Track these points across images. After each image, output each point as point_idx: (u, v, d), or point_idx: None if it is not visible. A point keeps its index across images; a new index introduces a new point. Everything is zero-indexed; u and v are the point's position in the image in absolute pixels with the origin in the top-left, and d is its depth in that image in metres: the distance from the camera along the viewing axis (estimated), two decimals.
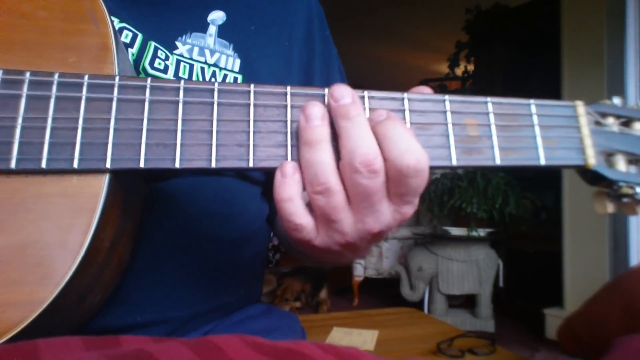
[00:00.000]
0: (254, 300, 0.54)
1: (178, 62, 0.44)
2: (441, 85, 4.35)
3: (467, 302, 2.76)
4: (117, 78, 0.31)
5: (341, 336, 0.78)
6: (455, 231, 2.62)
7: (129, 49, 0.42)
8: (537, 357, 2.16)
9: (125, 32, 0.42)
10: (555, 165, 0.35)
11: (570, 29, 2.43)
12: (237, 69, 0.47)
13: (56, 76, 0.30)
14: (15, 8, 0.32)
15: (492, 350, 0.72)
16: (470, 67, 3.81)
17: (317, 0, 0.58)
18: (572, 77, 2.41)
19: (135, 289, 0.39)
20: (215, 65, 0.46)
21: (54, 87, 0.30)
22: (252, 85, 0.32)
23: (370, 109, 0.32)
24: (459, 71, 3.89)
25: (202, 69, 0.45)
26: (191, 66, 0.45)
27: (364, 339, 0.77)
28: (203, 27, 0.47)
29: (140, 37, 0.43)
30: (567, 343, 0.59)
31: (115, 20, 0.41)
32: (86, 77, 0.30)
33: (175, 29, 0.45)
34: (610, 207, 0.37)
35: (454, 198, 2.58)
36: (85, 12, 0.33)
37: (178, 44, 0.45)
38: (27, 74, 0.30)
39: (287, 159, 0.30)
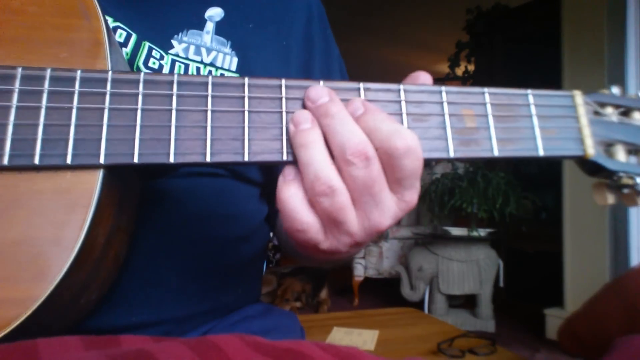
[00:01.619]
0: (253, 300, 0.54)
1: (173, 62, 0.44)
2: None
3: (468, 302, 2.76)
4: (110, 73, 0.30)
5: (341, 336, 0.78)
6: (456, 231, 2.62)
7: (123, 48, 0.41)
8: (537, 357, 2.15)
9: (119, 31, 0.41)
10: (554, 156, 0.35)
11: (571, 28, 2.42)
12: (234, 67, 0.47)
13: (48, 71, 0.30)
14: (5, 4, 0.32)
15: (492, 350, 0.72)
16: (471, 67, 3.81)
17: None
18: (572, 77, 2.41)
19: (132, 290, 0.39)
20: (211, 64, 0.45)
21: (47, 82, 0.29)
22: (246, 79, 0.31)
23: (349, 100, 0.32)
24: (459, 71, 3.89)
25: (198, 69, 0.45)
26: (186, 66, 0.44)
27: (364, 339, 0.77)
28: (200, 24, 0.46)
29: (134, 37, 0.42)
30: (567, 343, 0.59)
31: (109, 20, 0.41)
32: (79, 72, 0.30)
33: (171, 27, 0.45)
34: (610, 198, 0.37)
35: (455, 198, 2.58)
36: (76, 7, 0.32)
37: (174, 42, 0.44)
38: (19, 69, 0.29)
39: (282, 153, 0.30)
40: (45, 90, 0.29)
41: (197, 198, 0.43)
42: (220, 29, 0.47)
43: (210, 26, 0.46)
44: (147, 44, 0.43)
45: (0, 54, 0.31)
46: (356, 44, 4.47)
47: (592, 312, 0.55)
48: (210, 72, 0.46)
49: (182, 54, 0.44)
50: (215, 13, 0.47)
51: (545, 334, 2.41)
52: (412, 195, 0.30)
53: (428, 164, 4.58)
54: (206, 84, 0.31)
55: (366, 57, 4.77)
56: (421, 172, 0.30)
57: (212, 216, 0.44)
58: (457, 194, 2.58)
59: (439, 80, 4.39)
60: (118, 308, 0.38)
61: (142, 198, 0.38)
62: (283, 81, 0.32)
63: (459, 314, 2.64)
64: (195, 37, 0.45)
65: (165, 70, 0.43)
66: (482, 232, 2.59)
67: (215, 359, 0.21)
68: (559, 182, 2.46)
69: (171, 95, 0.30)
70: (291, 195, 0.29)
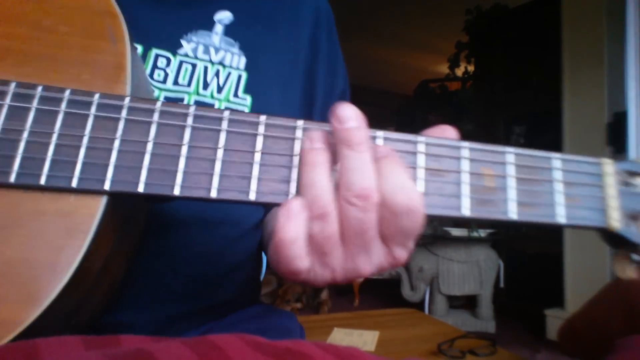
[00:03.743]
0: (249, 301, 0.54)
1: (180, 65, 0.44)
2: (442, 86, 4.35)
3: (468, 303, 2.75)
4: (127, 99, 0.30)
5: (342, 337, 0.78)
6: (456, 232, 2.63)
7: None
8: (537, 357, 2.15)
9: None
10: (576, 226, 0.33)
11: (571, 29, 2.43)
12: (242, 66, 0.47)
13: (67, 93, 0.30)
14: (38, 21, 0.33)
15: (492, 351, 0.72)
16: (471, 68, 3.82)
17: (327, 3, 0.58)
18: (572, 77, 2.41)
19: (124, 289, 0.39)
20: (219, 63, 0.46)
21: (64, 104, 0.30)
22: (262, 117, 0.31)
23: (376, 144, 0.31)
24: (459, 72, 3.90)
25: (205, 68, 0.45)
26: (193, 66, 0.45)
27: (364, 339, 0.77)
28: (209, 25, 0.47)
29: (140, 49, 0.43)
30: (568, 344, 0.59)
31: None
32: (97, 95, 0.30)
33: (181, 27, 0.45)
34: (631, 272, 0.35)
35: None
36: (105, 29, 0.33)
37: (183, 42, 0.45)
38: (39, 88, 0.30)
39: (289, 195, 0.29)
40: (61, 112, 0.30)
41: (191, 202, 0.43)
42: (229, 30, 0.48)
43: (219, 28, 0.47)
44: (153, 52, 0.43)
45: (26, 71, 0.31)
46: (356, 44, 4.47)
47: (592, 313, 0.55)
48: (217, 71, 0.46)
49: (190, 54, 0.45)
50: (224, 16, 0.48)
51: (545, 335, 2.41)
52: (401, 253, 0.29)
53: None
54: (221, 119, 0.30)
55: (365, 57, 4.78)
56: (418, 234, 0.28)
57: (207, 218, 0.44)
58: None
59: (438, 81, 4.40)
60: (111, 308, 0.38)
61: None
62: (298, 122, 0.31)
63: (459, 315, 2.64)
64: (204, 37, 0.46)
65: (170, 78, 0.44)
66: (483, 233, 2.59)
67: (216, 358, 0.21)
68: None
69: (184, 127, 0.30)
70: (294, 238, 0.27)
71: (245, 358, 0.21)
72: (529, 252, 2.96)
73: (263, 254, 0.57)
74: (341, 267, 0.28)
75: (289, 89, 0.51)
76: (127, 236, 0.34)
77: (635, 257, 0.35)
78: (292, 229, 0.27)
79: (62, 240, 0.28)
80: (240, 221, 0.49)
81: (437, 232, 2.71)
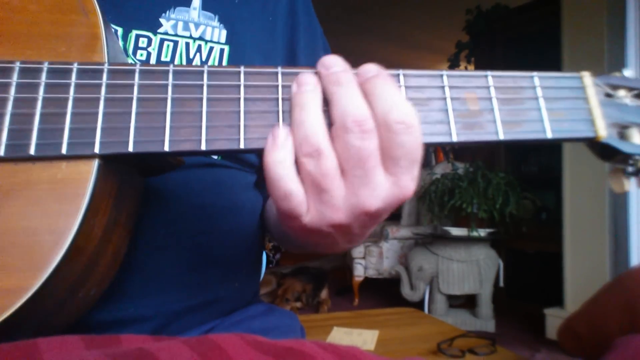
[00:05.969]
0: (250, 297, 0.54)
1: (161, 43, 0.44)
2: None
3: (468, 302, 2.76)
4: (106, 64, 0.30)
5: (341, 336, 0.78)
6: (456, 231, 2.62)
7: None
8: (537, 357, 2.15)
9: None
10: (564, 138, 0.33)
11: (571, 29, 2.43)
12: (223, 40, 0.47)
13: (46, 64, 0.30)
14: (6, 2, 0.33)
15: (492, 350, 0.72)
16: (471, 68, 3.81)
17: None
18: None
19: (129, 283, 0.39)
20: (200, 38, 0.46)
21: (44, 75, 0.30)
22: (242, 67, 0.31)
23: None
24: None
25: (187, 45, 0.45)
26: (175, 43, 0.45)
27: (364, 339, 0.77)
28: (187, 2, 0.47)
29: (120, 31, 0.43)
30: (567, 343, 0.59)
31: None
32: (75, 64, 0.30)
33: (159, 6, 0.46)
34: (627, 185, 0.35)
35: (455, 198, 2.58)
36: (74, 3, 0.33)
37: (162, 20, 0.45)
38: (17, 63, 0.30)
39: None
40: (42, 83, 0.30)
41: (193, 190, 0.43)
42: (207, 4, 0.48)
43: (197, 2, 0.47)
44: (133, 34, 0.44)
45: (1, 50, 0.31)
46: (356, 44, 4.47)
47: (592, 312, 0.55)
48: (199, 46, 0.46)
49: (170, 31, 0.45)
50: None
51: (545, 334, 2.41)
52: (407, 181, 0.28)
53: (428, 163, 4.57)
54: (202, 72, 0.30)
55: (366, 57, 4.76)
56: (420, 158, 0.28)
57: (207, 208, 0.45)
58: (457, 194, 2.58)
59: None
60: (116, 301, 0.38)
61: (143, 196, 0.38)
62: (279, 69, 0.31)
63: (459, 314, 2.64)
64: (182, 13, 0.46)
65: (153, 56, 0.44)
66: (482, 232, 2.59)
67: (216, 358, 0.21)
68: (559, 182, 2.46)
69: (167, 85, 0.30)
70: (279, 161, 0.27)
71: (245, 357, 0.21)
72: (528, 252, 2.97)
73: (263, 253, 0.57)
74: (343, 204, 0.28)
75: (270, 60, 0.51)
76: (123, 206, 0.34)
77: (629, 169, 0.35)
78: (278, 152, 0.27)
79: (59, 206, 0.28)
80: (243, 208, 0.49)
81: (437, 232, 2.71)
